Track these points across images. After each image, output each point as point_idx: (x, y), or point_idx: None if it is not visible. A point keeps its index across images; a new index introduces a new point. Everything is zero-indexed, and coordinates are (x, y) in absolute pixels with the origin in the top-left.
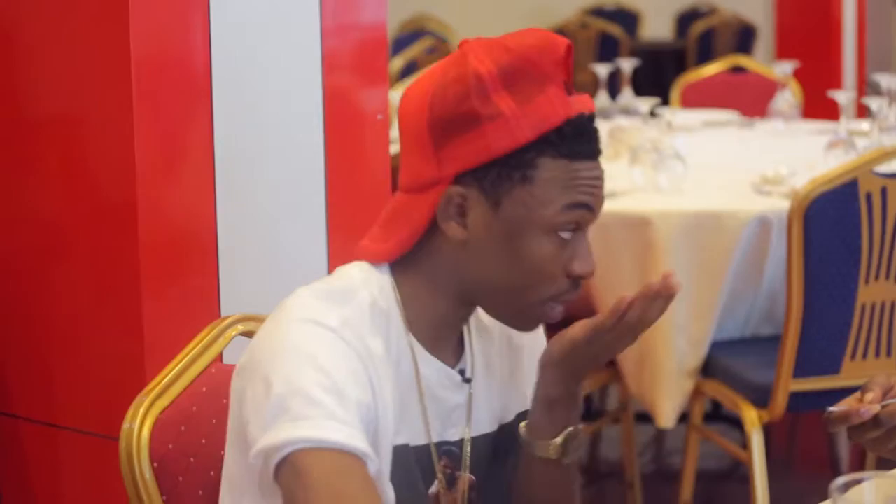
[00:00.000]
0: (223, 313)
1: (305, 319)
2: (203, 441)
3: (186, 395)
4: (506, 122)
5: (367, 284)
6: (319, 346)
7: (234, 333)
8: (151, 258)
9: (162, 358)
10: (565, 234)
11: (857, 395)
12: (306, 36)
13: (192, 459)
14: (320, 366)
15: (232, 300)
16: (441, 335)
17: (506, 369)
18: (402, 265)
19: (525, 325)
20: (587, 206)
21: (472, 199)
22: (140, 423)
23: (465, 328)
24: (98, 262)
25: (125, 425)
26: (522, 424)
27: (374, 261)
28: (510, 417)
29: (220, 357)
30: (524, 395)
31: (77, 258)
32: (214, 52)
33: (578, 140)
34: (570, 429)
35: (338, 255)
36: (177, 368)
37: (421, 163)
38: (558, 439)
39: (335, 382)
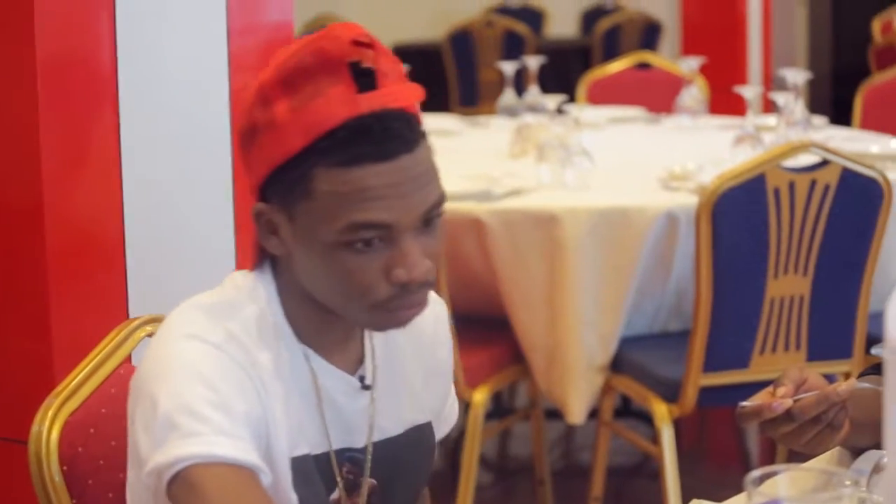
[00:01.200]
0: (131, 313)
1: (188, 335)
2: (112, 443)
3: (96, 398)
4: (277, 130)
5: (255, 296)
6: (204, 362)
7: (142, 335)
8: (58, 259)
9: (70, 360)
10: (361, 248)
11: (770, 389)
12: (213, 35)
13: (101, 462)
14: (206, 381)
15: (140, 300)
16: (334, 341)
17: (416, 370)
18: (278, 274)
19: (377, 328)
20: (372, 224)
21: (275, 213)
22: (49, 426)
23: (366, 333)
24: (4, 264)
25: (34, 428)
26: None
27: (250, 270)
28: (422, 420)
29: (129, 359)
30: (434, 396)
31: None
32: (120, 52)
33: (356, 143)
34: None
35: (246, 254)
36: (86, 370)
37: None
38: None
39: (222, 397)
